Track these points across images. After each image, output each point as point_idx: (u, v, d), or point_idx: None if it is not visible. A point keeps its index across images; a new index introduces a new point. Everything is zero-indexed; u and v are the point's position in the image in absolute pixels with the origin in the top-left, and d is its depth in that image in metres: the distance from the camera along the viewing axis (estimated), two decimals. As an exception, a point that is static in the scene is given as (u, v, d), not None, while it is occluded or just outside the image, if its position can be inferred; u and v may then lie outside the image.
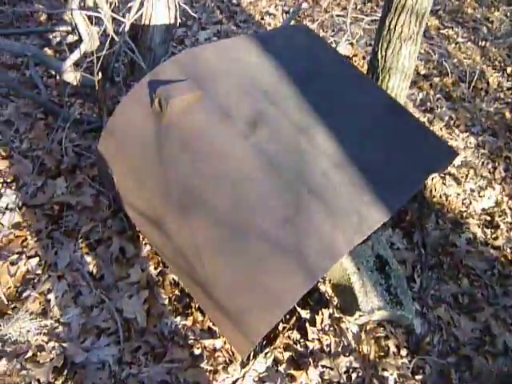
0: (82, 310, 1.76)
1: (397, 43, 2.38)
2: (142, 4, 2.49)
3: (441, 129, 2.98)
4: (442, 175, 2.60)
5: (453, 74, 3.52)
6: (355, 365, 1.78)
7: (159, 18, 2.53)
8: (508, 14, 4.40)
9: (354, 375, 1.74)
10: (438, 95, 3.34)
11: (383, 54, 2.44)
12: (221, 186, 1.59)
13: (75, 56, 2.26)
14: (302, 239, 1.52)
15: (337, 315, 1.88)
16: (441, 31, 4.11)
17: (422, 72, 3.57)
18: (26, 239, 1.91)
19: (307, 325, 1.83)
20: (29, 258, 1.86)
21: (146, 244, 1.97)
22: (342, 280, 1.95)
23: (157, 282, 1.87)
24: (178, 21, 2.55)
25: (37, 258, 1.87)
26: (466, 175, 2.66)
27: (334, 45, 3.47)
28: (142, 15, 2.56)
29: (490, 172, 2.73)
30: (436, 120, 3.06)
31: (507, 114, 3.21)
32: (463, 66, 3.68)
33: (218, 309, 1.62)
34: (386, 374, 1.77)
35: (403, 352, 1.85)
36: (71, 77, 2.30)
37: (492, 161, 2.81)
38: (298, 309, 1.89)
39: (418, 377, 1.78)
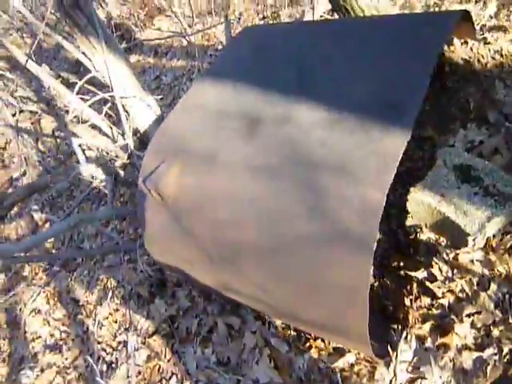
0: (227, 399, 1.79)
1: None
2: (129, 121, 2.68)
3: (456, -6, 2.56)
4: (482, 35, 2.18)
5: None
6: (504, 290, 1.48)
7: (149, 120, 2.68)
8: None
9: (507, 304, 1.45)
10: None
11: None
12: (246, 227, 1.55)
13: (110, 197, 2.49)
14: (336, 219, 1.37)
15: (452, 255, 1.61)
16: None
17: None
18: (158, 365, 2.05)
19: (428, 283, 1.60)
20: (168, 379, 1.98)
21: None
22: (434, 217, 1.69)
23: (272, 333, 1.83)
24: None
25: (174, 378, 1.98)
26: (508, 15, 2.20)
27: (311, 11, 3.30)
28: (136, 128, 2.75)
29: None
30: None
31: None
32: None
33: (323, 329, 1.52)
34: (543, 279, 1.43)
35: (549, 244, 1.50)
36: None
37: None
38: (412, 273, 1.67)
39: None
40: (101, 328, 2.39)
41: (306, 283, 1.43)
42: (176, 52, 4.54)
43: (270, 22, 3.86)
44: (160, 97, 3.20)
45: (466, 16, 1.88)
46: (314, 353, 1.68)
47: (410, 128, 1.40)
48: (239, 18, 4.13)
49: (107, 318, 2.45)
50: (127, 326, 2.30)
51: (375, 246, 1.31)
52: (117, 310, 2.45)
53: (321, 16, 3.32)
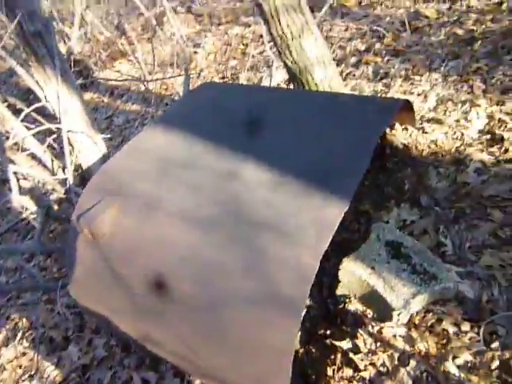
0: None
1: (295, 44, 2.32)
2: (72, 156, 2.61)
3: (401, 85, 2.79)
4: (420, 125, 2.38)
5: (388, 31, 3.38)
6: (422, 368, 1.51)
7: (94, 157, 2.62)
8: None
9: (424, 381, 1.48)
10: (386, 57, 3.18)
11: (291, 59, 2.38)
12: (179, 277, 1.51)
13: (38, 231, 2.35)
14: (269, 280, 1.37)
15: (377, 328, 1.65)
16: (362, 3, 4.03)
17: (363, 48, 3.45)
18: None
19: (352, 355, 1.61)
20: None
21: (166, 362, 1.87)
22: (363, 288, 1.74)
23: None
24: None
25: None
26: (445, 110, 2.43)
27: (269, 78, 3.47)
28: (79, 164, 2.68)
29: (468, 93, 2.48)
30: (393, 80, 2.89)
31: (458, 31, 2.99)
32: (398, 17, 3.54)
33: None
34: (458, 360, 1.49)
35: (465, 327, 1.56)
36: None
37: (465, 81, 2.57)
38: (337, 343, 1.68)
39: (495, 344, 1.48)
40: (2, 372, 2.17)
41: (234, 343, 1.40)
42: (132, 96, 4.56)
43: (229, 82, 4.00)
44: (109, 136, 3.17)
45: (408, 105, 2.05)
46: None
47: (349, 200, 1.46)
48: (199, 74, 4.25)
49: (11, 361, 2.24)
50: (33, 372, 2.11)
51: (304, 311, 1.32)
52: (24, 353, 2.24)
53: (277, 84, 3.49)
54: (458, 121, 2.32)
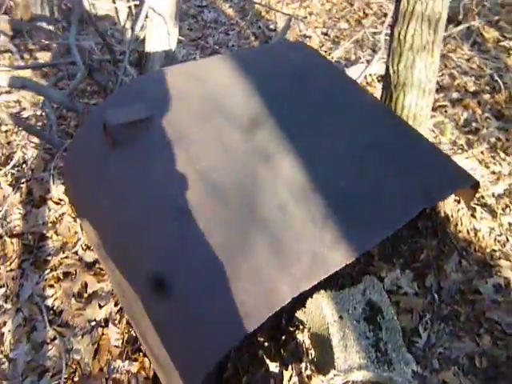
0: (31, 346, 1.67)
1: (409, 55, 2.08)
2: (142, 30, 2.47)
3: (482, 152, 2.56)
4: (473, 206, 2.19)
5: (508, 89, 3.06)
6: None
7: (159, 45, 2.47)
8: None
9: None
10: (487, 114, 2.90)
11: (395, 68, 2.15)
12: (158, 219, 1.43)
13: (73, 86, 2.27)
14: (239, 282, 1.29)
15: (308, 372, 1.59)
16: (500, 43, 3.63)
17: (472, 89, 3.15)
18: (-2, 269, 1.89)
19: (272, 381, 1.57)
20: (-1, 287, 1.83)
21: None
22: (321, 329, 1.66)
23: (114, 320, 1.73)
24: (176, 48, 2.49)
25: (3, 289, 1.83)
26: (506, 207, 2.22)
27: (365, 64, 3.20)
28: (144, 42, 2.54)
29: (540, 203, 2.26)
30: (479, 142, 2.64)
31: None
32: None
33: (155, 358, 1.44)
34: None
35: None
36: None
37: (545, 189, 2.34)
38: (267, 360, 1.63)
39: None
40: None
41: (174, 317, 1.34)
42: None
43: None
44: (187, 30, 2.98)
45: (474, 185, 1.86)
46: (135, 366, 1.59)
47: (359, 253, 1.35)
48: (305, 18, 3.95)
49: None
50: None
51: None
52: None
53: (369, 74, 3.23)
54: (511, 225, 2.12)
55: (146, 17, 2.46)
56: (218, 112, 1.64)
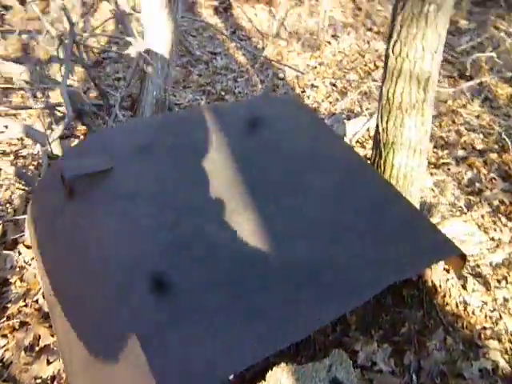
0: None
1: (398, 114, 1.99)
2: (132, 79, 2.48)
3: (482, 216, 2.40)
4: (465, 275, 2.02)
5: (517, 148, 2.91)
6: None
7: (151, 91, 2.48)
8: None
9: None
10: (493, 174, 2.76)
11: (384, 126, 2.07)
12: (100, 278, 1.35)
13: (57, 131, 2.27)
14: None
15: None
16: (513, 100, 3.51)
17: (479, 147, 3.02)
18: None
19: None
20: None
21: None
22: (278, 408, 1.51)
23: (60, 379, 1.63)
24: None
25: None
26: (503, 279, 2.05)
27: (368, 117, 3.13)
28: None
29: (543, 278, 2.07)
30: (480, 204, 2.49)
31: None
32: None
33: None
34: None
35: None
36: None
37: (549, 261, 2.15)
38: None
39: None
40: None
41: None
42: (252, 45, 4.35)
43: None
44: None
45: (462, 255, 1.72)
46: None
47: (309, 332, 1.23)
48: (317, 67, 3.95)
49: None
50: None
51: None
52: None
53: (367, 129, 3.14)
54: (506, 301, 1.95)
55: (138, 64, 2.48)
56: (180, 167, 1.58)
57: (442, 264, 1.99)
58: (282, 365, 1.57)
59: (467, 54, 3.99)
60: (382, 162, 2.13)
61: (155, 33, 2.37)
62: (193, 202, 1.50)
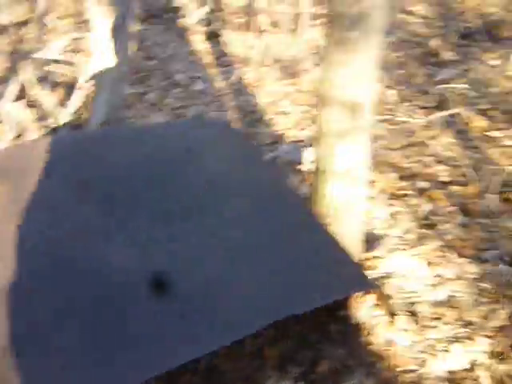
0: None
1: (328, 142, 1.94)
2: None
3: (432, 250, 2.30)
4: (397, 312, 1.92)
5: (481, 181, 2.81)
6: None
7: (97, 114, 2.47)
8: None
9: None
10: (452, 208, 2.65)
11: (318, 154, 2.01)
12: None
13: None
14: None
15: None
16: (486, 133, 3.42)
17: (443, 179, 2.92)
18: None
19: None
20: None
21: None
22: None
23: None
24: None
25: None
26: (439, 318, 1.93)
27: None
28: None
29: (483, 317, 1.95)
30: (431, 238, 2.39)
31: None
32: (502, 174, 2.94)
33: None
34: None
35: None
36: None
37: (494, 301, 2.03)
38: None
39: None
40: None
41: None
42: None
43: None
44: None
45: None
46: None
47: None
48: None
49: None
50: None
51: None
52: None
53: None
54: (438, 341, 1.83)
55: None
56: (76, 190, 1.54)
57: (371, 299, 1.90)
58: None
59: (446, 85, 3.92)
60: (316, 191, 2.07)
61: (104, 57, 2.38)
62: (90, 222, 1.46)
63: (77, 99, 2.42)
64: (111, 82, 2.41)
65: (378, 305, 1.90)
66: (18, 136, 2.40)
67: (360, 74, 1.81)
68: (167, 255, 1.36)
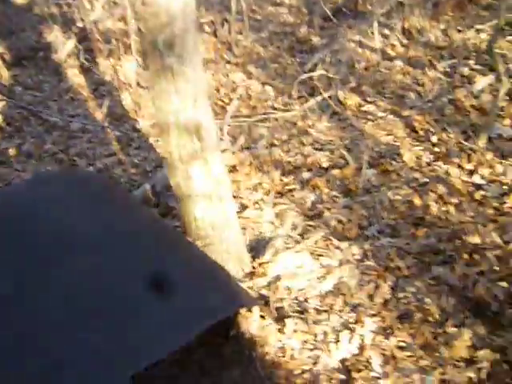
0: None
1: (181, 167, 1.92)
2: None
3: (316, 242, 2.35)
4: (286, 316, 1.94)
5: (358, 159, 2.92)
6: None
7: None
8: (448, 70, 3.77)
9: None
10: (334, 192, 2.74)
11: (174, 181, 1.99)
12: None
13: None
14: None
15: None
16: (361, 108, 3.56)
17: (324, 165, 3.01)
18: None
19: None
20: None
21: None
22: None
23: None
24: None
25: None
26: (328, 310, 1.98)
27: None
28: None
29: (368, 296, 2.03)
30: (316, 229, 2.44)
31: (416, 201, 2.51)
32: (379, 145, 3.07)
33: None
34: None
35: None
36: None
37: (377, 276, 2.11)
38: None
39: None
40: None
41: None
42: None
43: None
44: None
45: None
46: None
47: None
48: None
49: None
50: None
51: None
52: None
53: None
54: (326, 334, 1.87)
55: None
56: None
57: (256, 311, 1.91)
58: None
59: (318, 71, 4.03)
60: (185, 217, 2.05)
61: None
62: None
63: None
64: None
65: (263, 316, 1.92)
66: None
67: (189, 95, 1.80)
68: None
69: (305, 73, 3.93)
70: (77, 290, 1.38)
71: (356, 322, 1.90)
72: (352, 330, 1.86)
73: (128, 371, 1.25)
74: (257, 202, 2.72)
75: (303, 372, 1.75)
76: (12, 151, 3.79)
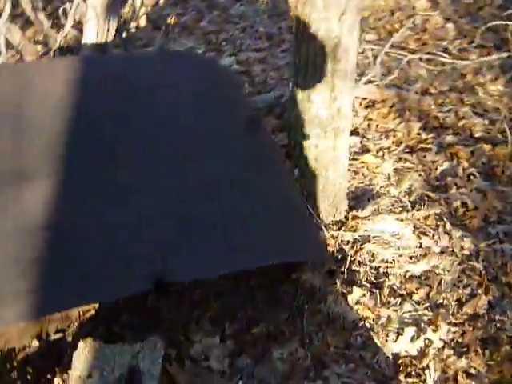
0: None
1: (304, 86, 1.71)
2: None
3: (426, 217, 2.03)
4: (357, 283, 1.75)
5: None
6: None
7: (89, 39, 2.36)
8: None
9: None
10: (473, 169, 2.30)
11: (293, 100, 1.79)
12: None
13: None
14: None
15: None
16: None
17: (477, 134, 2.53)
18: None
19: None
20: None
21: None
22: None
23: None
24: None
25: None
26: (405, 295, 1.73)
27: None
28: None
29: (458, 302, 1.73)
30: (434, 203, 2.10)
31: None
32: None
33: None
34: None
35: None
36: None
37: (479, 284, 1.78)
38: None
39: None
40: None
41: None
42: None
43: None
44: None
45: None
46: None
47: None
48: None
49: None
50: None
51: None
52: None
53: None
54: (392, 322, 1.65)
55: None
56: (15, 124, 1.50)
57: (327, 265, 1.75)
58: (88, 340, 1.49)
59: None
60: (292, 142, 1.87)
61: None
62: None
63: (70, 21, 2.34)
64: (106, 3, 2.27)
65: (332, 272, 1.74)
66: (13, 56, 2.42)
67: (337, 7, 1.52)
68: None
69: (502, 19, 3.21)
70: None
71: (430, 323, 1.64)
72: (421, 330, 1.62)
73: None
74: (381, 149, 2.41)
75: (347, 347, 1.59)
76: (171, 19, 3.83)
